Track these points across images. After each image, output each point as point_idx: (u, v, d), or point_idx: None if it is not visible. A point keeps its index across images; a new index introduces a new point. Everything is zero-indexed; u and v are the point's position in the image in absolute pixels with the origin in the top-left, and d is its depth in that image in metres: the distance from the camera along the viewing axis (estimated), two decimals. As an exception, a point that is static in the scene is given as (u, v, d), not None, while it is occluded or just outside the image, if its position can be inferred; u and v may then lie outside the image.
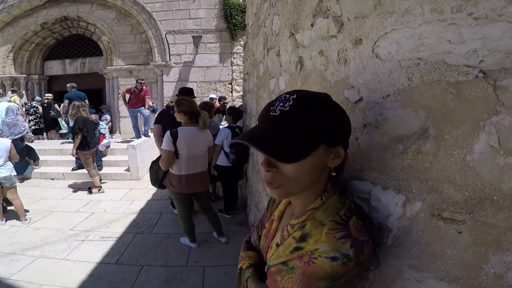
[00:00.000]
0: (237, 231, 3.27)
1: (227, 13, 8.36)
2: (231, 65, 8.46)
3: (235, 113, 3.73)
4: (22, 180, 5.15)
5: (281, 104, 0.56)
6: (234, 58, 8.46)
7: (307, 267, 0.52)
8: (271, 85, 1.82)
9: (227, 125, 3.79)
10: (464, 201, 0.44)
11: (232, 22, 8.34)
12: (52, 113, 7.80)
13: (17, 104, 5.93)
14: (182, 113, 2.54)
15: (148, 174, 5.31)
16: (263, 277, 0.68)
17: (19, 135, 4.91)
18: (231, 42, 8.45)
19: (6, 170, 3.38)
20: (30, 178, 5.47)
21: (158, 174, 2.67)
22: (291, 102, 0.55)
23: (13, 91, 7.03)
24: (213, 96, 7.20)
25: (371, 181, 0.65)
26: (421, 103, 0.52)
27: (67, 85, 7.02)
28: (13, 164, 3.52)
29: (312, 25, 1.02)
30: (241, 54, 8.33)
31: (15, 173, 3.54)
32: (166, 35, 8.35)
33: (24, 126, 5.09)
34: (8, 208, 3.78)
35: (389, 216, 0.58)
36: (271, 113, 0.57)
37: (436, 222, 0.48)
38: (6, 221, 3.55)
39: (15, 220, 3.57)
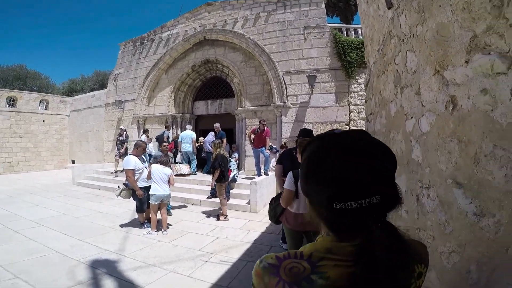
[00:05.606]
0: (339, 275, 3.00)
1: (340, 50, 8.06)
2: (349, 105, 7.99)
3: None
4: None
5: None
6: (351, 97, 7.98)
7: None
8: (408, 127, 1.67)
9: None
10: None
11: (347, 60, 7.96)
12: (203, 154, 8.64)
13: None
14: None
15: (264, 208, 5.73)
16: None
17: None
18: (347, 80, 8.02)
19: (168, 190, 4.66)
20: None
21: (276, 211, 2.80)
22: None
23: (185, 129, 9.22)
24: (332, 138, 7.06)
25: None
26: None
27: (215, 125, 7.93)
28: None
29: (466, 62, 0.95)
30: (360, 93, 7.81)
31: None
32: (284, 76, 8.59)
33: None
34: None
35: None
36: None
37: None
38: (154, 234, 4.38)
39: (161, 234, 4.38)
